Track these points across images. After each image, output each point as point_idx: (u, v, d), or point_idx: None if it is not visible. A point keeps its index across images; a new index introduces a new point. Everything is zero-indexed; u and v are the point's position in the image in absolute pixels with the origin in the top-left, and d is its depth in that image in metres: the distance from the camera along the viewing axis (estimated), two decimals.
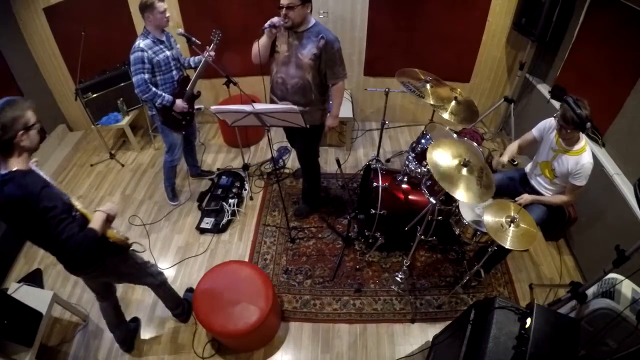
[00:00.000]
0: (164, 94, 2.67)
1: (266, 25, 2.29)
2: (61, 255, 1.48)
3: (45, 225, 1.40)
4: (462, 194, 1.88)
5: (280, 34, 2.42)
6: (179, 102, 2.77)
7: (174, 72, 2.75)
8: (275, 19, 2.28)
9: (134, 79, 2.56)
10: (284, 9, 2.23)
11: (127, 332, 2.38)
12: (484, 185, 1.95)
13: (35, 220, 1.41)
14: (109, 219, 1.65)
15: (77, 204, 1.64)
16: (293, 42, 2.37)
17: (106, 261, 1.81)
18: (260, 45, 2.39)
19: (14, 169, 1.42)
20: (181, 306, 2.44)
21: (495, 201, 2.15)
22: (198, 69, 2.80)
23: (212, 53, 2.76)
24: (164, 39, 2.66)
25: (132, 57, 2.52)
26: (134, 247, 1.93)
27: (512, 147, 2.52)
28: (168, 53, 2.66)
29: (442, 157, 2.01)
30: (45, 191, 1.41)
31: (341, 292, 2.68)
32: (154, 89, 2.62)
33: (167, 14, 2.57)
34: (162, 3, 2.52)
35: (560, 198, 2.34)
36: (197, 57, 2.89)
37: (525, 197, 2.37)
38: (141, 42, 2.52)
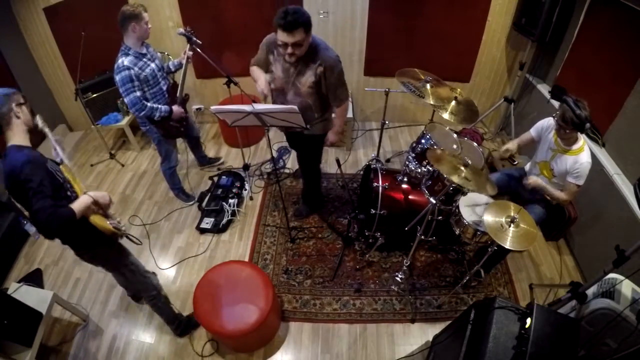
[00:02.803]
0: (160, 106, 2.63)
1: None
2: (34, 224, 1.54)
3: (25, 196, 1.49)
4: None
5: (274, 59, 2.27)
6: (176, 109, 2.74)
7: (162, 83, 2.69)
8: (265, 90, 2.21)
9: (126, 100, 2.48)
10: (289, 46, 1.97)
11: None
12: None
13: (21, 191, 1.50)
14: (97, 205, 1.73)
15: (77, 189, 1.76)
16: (290, 69, 2.20)
17: (96, 249, 1.88)
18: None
19: (10, 144, 1.57)
20: (177, 321, 2.38)
21: (495, 201, 2.15)
22: (182, 73, 2.74)
23: (190, 53, 2.70)
24: (144, 51, 2.56)
25: (118, 77, 2.42)
26: (132, 239, 2.00)
27: (515, 141, 2.52)
28: (153, 65, 2.59)
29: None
30: (29, 166, 1.49)
31: (341, 292, 2.68)
32: (149, 104, 2.57)
33: (150, 25, 2.51)
34: (146, 13, 2.45)
35: (561, 193, 2.34)
36: (175, 61, 2.85)
37: (534, 179, 2.36)
38: (125, 60, 2.41)
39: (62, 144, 1.90)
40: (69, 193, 1.70)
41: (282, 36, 1.93)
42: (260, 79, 2.26)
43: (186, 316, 2.46)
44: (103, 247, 1.89)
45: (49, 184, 1.54)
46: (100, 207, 1.78)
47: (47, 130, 1.78)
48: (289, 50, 1.99)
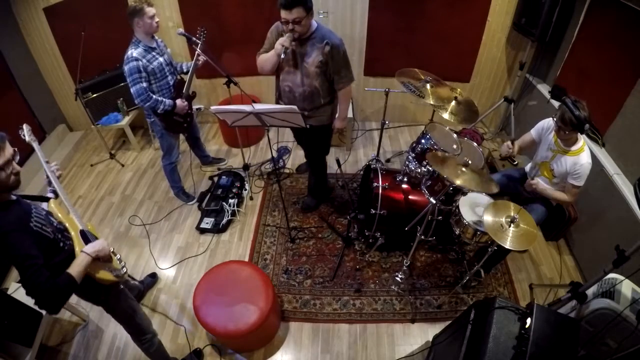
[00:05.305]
0: (164, 99, 2.67)
1: (282, 54, 2.20)
2: (31, 296, 1.32)
3: (15, 265, 1.32)
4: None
5: None
6: (180, 102, 2.77)
7: (169, 78, 2.73)
8: (286, 42, 2.18)
9: (132, 90, 2.53)
10: (290, 23, 2.13)
11: (137, 291, 2.54)
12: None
13: (5, 258, 1.32)
14: (99, 259, 1.50)
15: (72, 230, 1.53)
16: (297, 50, 2.31)
17: (99, 298, 1.75)
18: (270, 64, 2.36)
19: None
20: None
21: (495, 201, 2.15)
22: (190, 71, 2.81)
23: (202, 58, 2.77)
24: (154, 45, 2.62)
25: (126, 67, 2.48)
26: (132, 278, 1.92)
27: (519, 142, 2.52)
28: (161, 59, 2.64)
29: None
30: (13, 236, 1.29)
31: (341, 292, 2.68)
32: (154, 96, 2.62)
33: (157, 19, 2.52)
34: (151, 8, 2.47)
35: (562, 194, 2.34)
36: (190, 63, 2.88)
37: (538, 181, 2.37)
38: (134, 52, 2.48)
39: (57, 172, 1.64)
40: (61, 244, 1.48)
41: (283, 14, 2.12)
42: (276, 44, 2.26)
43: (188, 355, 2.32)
44: (105, 296, 1.76)
45: (38, 249, 1.34)
46: (103, 260, 1.56)
47: (42, 157, 1.54)
48: (290, 27, 2.15)
